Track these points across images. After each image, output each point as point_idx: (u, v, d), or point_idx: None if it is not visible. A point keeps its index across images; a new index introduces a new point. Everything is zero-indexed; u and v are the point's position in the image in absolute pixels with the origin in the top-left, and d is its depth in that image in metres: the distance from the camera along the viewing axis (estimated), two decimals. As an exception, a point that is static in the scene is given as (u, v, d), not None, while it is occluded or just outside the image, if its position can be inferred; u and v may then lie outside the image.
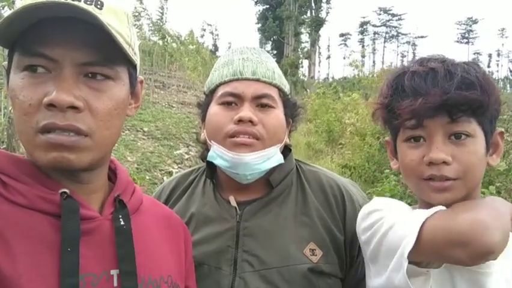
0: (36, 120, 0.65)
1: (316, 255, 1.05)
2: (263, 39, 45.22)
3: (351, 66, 11.76)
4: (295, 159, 1.20)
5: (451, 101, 0.82)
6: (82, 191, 0.73)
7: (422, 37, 69.61)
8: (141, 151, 7.84)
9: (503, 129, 0.89)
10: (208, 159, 1.11)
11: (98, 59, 0.68)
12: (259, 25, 43.09)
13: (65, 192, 0.69)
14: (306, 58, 37.89)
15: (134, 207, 0.80)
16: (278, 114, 1.09)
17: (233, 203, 1.10)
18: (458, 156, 0.84)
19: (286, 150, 1.15)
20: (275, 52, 41.69)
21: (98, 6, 0.68)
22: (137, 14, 15.16)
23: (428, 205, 0.89)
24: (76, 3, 0.65)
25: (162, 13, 17.18)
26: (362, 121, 7.76)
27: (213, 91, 1.12)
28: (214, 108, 1.09)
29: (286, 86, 1.15)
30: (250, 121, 1.03)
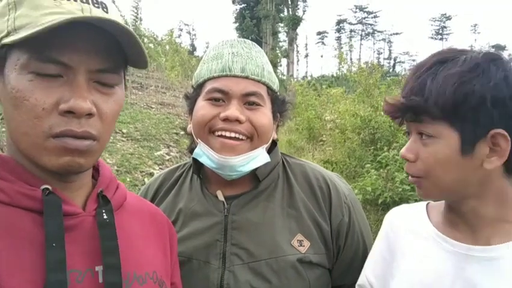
0: (50, 125, 0.65)
1: (304, 246, 1.06)
2: (241, 38, 45.08)
3: (340, 60, 11.81)
4: (281, 153, 1.20)
5: (405, 105, 0.86)
6: (67, 189, 0.72)
7: (397, 34, 70.73)
8: (121, 153, 7.71)
9: (501, 130, 0.80)
10: (194, 156, 1.10)
11: (109, 66, 0.69)
12: (237, 24, 43.03)
13: (47, 189, 0.68)
14: (284, 57, 38.02)
15: (117, 203, 0.79)
16: (266, 112, 1.08)
17: (220, 197, 1.10)
18: (421, 155, 0.86)
19: (272, 145, 1.15)
20: (253, 51, 41.48)
21: (105, 10, 0.68)
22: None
23: (447, 204, 0.92)
24: (113, 18, 0.65)
25: (137, 13, 16.97)
26: (342, 117, 7.82)
27: (200, 85, 1.10)
28: (201, 104, 1.08)
29: (275, 83, 1.14)
30: (237, 120, 1.02)
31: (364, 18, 68.53)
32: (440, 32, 68.89)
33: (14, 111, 0.65)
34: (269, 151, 1.13)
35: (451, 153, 0.82)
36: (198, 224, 1.09)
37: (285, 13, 37.54)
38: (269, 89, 1.11)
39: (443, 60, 0.84)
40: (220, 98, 1.05)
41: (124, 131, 9.07)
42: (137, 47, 0.69)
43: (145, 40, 15.44)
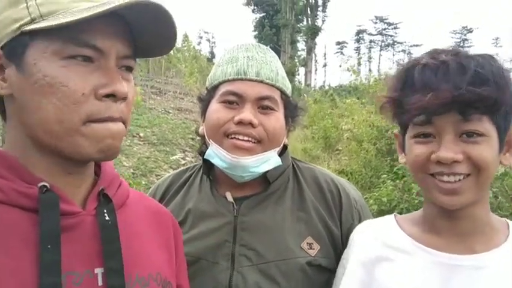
0: (90, 110, 0.64)
1: (313, 249, 1.05)
2: (256, 43, 45.26)
3: (349, 71, 11.76)
4: (291, 157, 1.20)
5: (462, 97, 0.76)
6: (68, 184, 0.70)
7: (417, 45, 70.11)
8: (137, 156, 7.80)
9: None
10: (205, 157, 1.10)
11: (133, 52, 0.70)
12: (256, 33, 43.28)
13: (44, 186, 0.65)
14: (302, 66, 38.03)
15: (120, 201, 0.77)
16: (279, 117, 1.09)
17: (230, 198, 1.10)
18: (469, 154, 0.79)
19: (282, 149, 1.15)
20: (272, 60, 41.58)
21: None
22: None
23: (434, 208, 0.87)
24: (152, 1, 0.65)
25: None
26: (358, 127, 7.76)
27: (215, 87, 1.11)
28: (215, 106, 1.08)
29: (288, 88, 1.14)
30: (251, 123, 1.03)
31: (384, 29, 68.19)
32: (461, 44, 68.07)
33: (44, 100, 0.63)
34: (280, 155, 1.13)
35: (497, 151, 0.82)
36: (207, 224, 1.09)
37: (304, 22, 37.61)
38: (282, 93, 1.11)
39: (463, 54, 0.83)
40: (235, 101, 1.06)
41: (141, 134, 9.17)
42: (170, 26, 0.68)
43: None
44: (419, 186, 0.90)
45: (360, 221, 1.11)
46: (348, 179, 6.93)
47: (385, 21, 66.66)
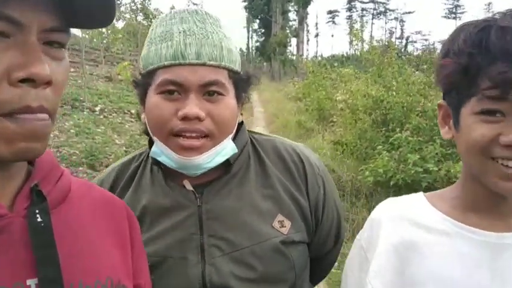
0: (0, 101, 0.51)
1: (285, 226, 1.00)
2: (250, 17, 44.66)
3: (355, 38, 11.54)
4: (248, 131, 1.10)
5: None
6: None
7: (409, 13, 69.35)
8: (129, 134, 7.70)
9: None
10: (151, 155, 0.99)
11: (61, 23, 0.55)
12: (246, 3, 42.48)
13: None
14: (294, 36, 37.55)
15: (59, 197, 0.65)
16: (228, 102, 0.96)
17: (189, 187, 0.99)
18: None
19: (238, 126, 1.04)
20: (263, 31, 41.20)
21: None
22: (120, -7, 14.73)
23: (480, 189, 0.79)
24: None
25: (146, -7, 16.76)
26: (354, 97, 7.67)
27: (150, 73, 0.95)
28: (154, 99, 0.94)
29: (236, 62, 0.99)
30: (197, 117, 0.90)
31: (376, -4, 67.14)
32: (454, 10, 67.33)
33: None
34: (235, 133, 1.02)
35: None
36: (169, 219, 0.98)
37: (295, -9, 36.89)
38: (230, 71, 0.97)
39: None
40: (175, 90, 0.92)
41: (133, 111, 9.03)
42: None
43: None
44: (472, 169, 0.80)
45: (324, 187, 1.07)
46: (343, 151, 6.93)
47: (377, -12, 65.59)
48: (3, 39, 0.51)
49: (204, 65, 0.92)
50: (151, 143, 1.01)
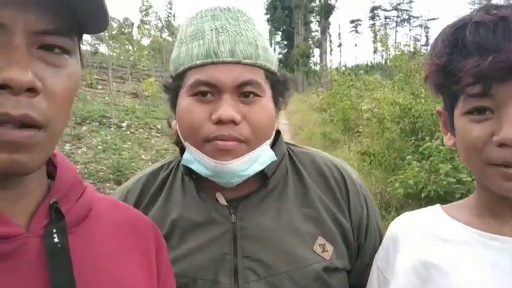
0: None
1: (327, 250, 0.91)
2: (272, 29, 44.95)
3: (380, 43, 11.34)
4: (285, 142, 1.02)
5: None
6: (2, 200, 0.55)
7: (434, 19, 68.27)
8: (155, 149, 7.77)
9: None
10: (183, 163, 0.92)
11: (58, 25, 0.51)
12: (268, 15, 42.83)
13: None
14: (317, 47, 37.50)
15: (79, 215, 0.62)
16: (265, 104, 0.89)
17: (222, 201, 0.92)
18: None
19: (275, 135, 0.96)
20: (285, 42, 41.36)
21: None
22: (144, 10, 15.08)
23: (491, 194, 0.74)
24: None
25: (170, 8, 17.08)
26: (380, 106, 7.51)
27: (181, 75, 0.89)
28: (185, 102, 0.88)
29: (273, 62, 0.92)
30: (232, 120, 0.83)
31: (399, 4, 66.57)
32: (481, 14, 65.85)
33: None
34: (273, 142, 0.95)
35: None
36: (200, 236, 0.91)
37: (317, 2, 36.94)
38: (267, 71, 0.90)
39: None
40: (208, 91, 0.85)
41: (159, 126, 9.14)
42: None
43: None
44: (473, 173, 0.77)
45: (367, 208, 0.98)
46: (371, 162, 6.77)
47: (400, -5, 65.02)
48: None
49: (238, 63, 0.86)
50: (182, 151, 0.94)
